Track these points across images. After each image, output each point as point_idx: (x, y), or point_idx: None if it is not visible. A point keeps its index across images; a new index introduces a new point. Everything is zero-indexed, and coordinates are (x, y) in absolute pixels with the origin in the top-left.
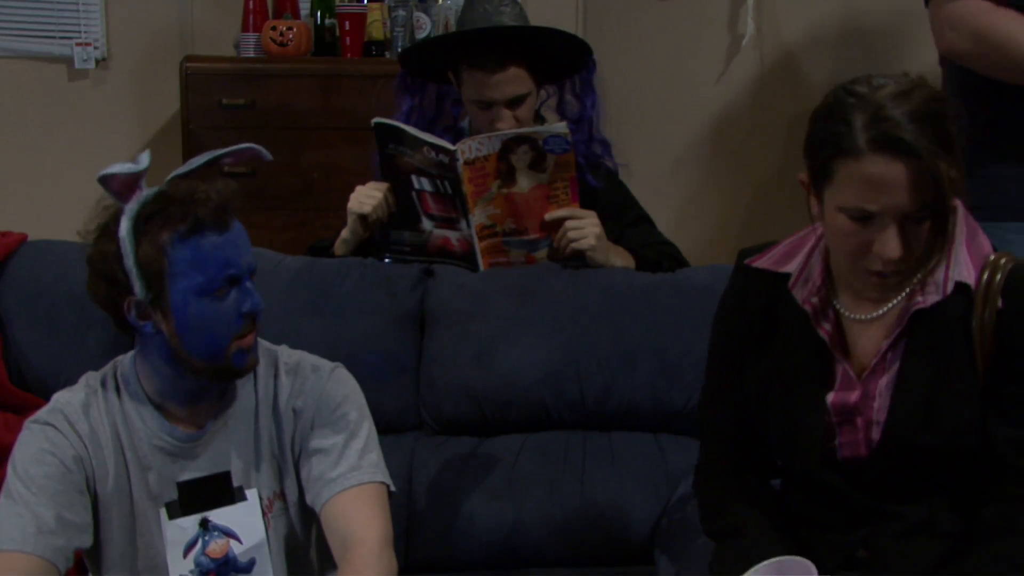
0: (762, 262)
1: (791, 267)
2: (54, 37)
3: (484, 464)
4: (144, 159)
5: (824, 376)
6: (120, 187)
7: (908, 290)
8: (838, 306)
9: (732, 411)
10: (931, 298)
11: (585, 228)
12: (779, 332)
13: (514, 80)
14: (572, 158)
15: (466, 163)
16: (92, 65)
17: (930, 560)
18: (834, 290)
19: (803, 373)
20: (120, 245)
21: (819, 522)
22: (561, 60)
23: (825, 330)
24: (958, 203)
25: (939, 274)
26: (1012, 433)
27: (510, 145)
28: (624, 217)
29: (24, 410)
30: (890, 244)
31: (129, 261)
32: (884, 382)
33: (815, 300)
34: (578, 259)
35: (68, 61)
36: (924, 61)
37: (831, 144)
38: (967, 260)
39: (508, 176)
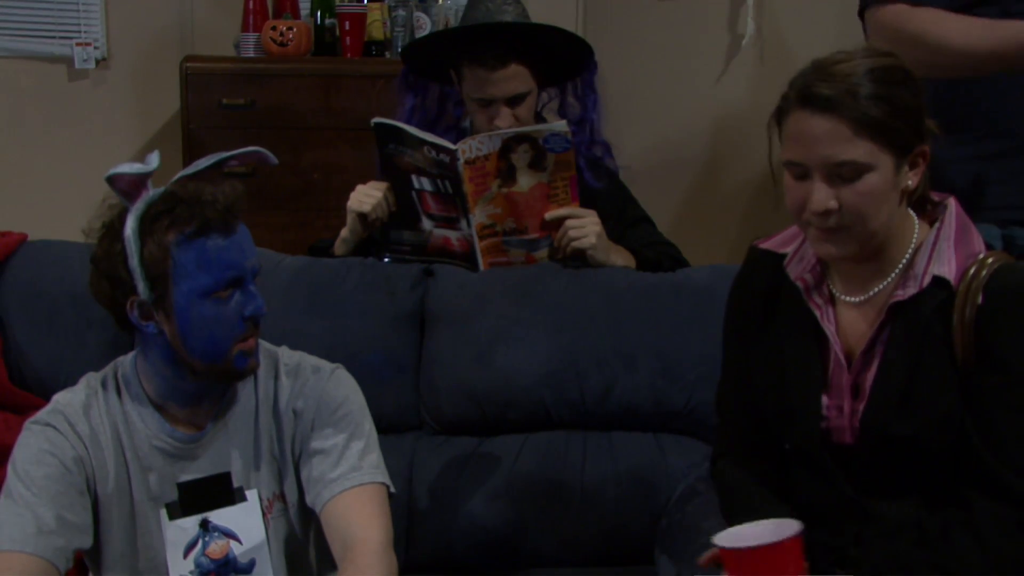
0: (768, 244)
1: (790, 247)
2: (54, 37)
3: (484, 464)
4: (154, 160)
5: (820, 352)
6: (127, 186)
7: (890, 279)
8: (831, 285)
9: (744, 395)
10: (909, 290)
11: (586, 227)
12: (779, 311)
13: (514, 77)
14: (572, 157)
15: (467, 162)
16: (92, 65)
17: (918, 562)
18: (828, 270)
19: (799, 350)
20: (125, 244)
21: (817, 516)
22: (562, 61)
23: (817, 305)
24: (951, 200)
25: (919, 266)
26: (986, 430)
27: (510, 144)
28: (624, 217)
29: (24, 410)
30: (815, 196)
31: (134, 261)
32: (871, 374)
33: (808, 276)
34: (578, 259)
35: (68, 61)
36: None
37: (779, 107)
38: (951, 256)
39: (508, 175)
